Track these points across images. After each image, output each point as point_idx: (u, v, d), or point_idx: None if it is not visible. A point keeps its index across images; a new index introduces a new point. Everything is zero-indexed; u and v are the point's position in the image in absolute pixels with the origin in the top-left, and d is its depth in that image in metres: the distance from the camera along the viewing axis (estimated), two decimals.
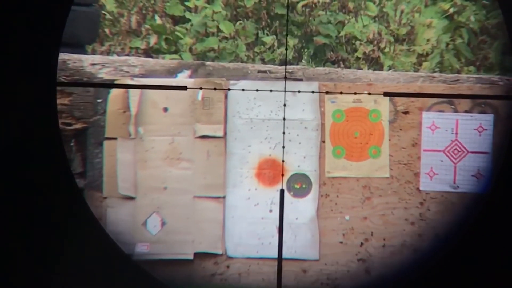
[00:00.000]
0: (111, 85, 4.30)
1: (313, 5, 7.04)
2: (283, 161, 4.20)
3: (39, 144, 3.75)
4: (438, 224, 4.23)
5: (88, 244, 3.85)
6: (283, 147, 4.20)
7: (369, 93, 4.22)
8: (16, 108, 3.68)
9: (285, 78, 4.29)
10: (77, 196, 3.98)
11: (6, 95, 3.64)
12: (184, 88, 4.23)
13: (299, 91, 4.25)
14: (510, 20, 3.98)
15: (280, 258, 4.17)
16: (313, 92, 4.25)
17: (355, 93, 4.24)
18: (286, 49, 6.75)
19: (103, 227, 4.10)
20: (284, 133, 4.21)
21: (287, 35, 6.93)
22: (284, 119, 4.22)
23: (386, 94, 4.23)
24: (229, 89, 4.27)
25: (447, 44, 7.13)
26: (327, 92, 4.26)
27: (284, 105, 4.23)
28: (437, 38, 7.15)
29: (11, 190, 3.69)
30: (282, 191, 4.19)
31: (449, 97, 4.21)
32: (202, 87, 4.24)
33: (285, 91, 4.23)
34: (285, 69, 4.33)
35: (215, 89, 4.25)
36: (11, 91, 3.65)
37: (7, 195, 3.68)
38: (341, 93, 4.24)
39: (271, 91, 4.24)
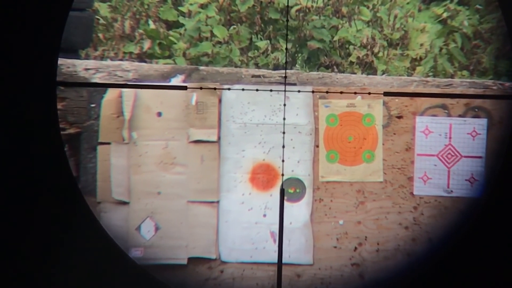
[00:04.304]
0: (113, 85, 4.29)
1: (307, 10, 7.05)
2: (283, 160, 4.21)
3: (39, 144, 3.76)
4: (431, 229, 4.23)
5: (88, 244, 3.86)
6: (283, 146, 4.21)
7: (369, 93, 4.23)
8: (17, 108, 3.69)
9: (285, 79, 4.29)
10: (77, 197, 3.98)
11: (6, 95, 3.65)
12: (184, 88, 4.24)
13: (299, 91, 4.25)
14: (510, 20, 3.99)
15: (280, 262, 4.18)
16: (313, 91, 4.25)
17: (355, 93, 4.24)
18: (286, 48, 6.76)
19: (105, 228, 4.09)
20: (284, 132, 4.22)
21: (287, 35, 6.94)
22: (284, 119, 4.22)
23: (386, 94, 4.24)
24: (229, 89, 4.26)
25: (441, 49, 7.16)
26: (327, 92, 4.26)
27: (284, 104, 4.24)
28: (431, 42, 7.17)
29: (11, 191, 3.70)
30: (282, 191, 4.20)
31: (448, 97, 4.21)
32: (196, 89, 4.25)
33: (285, 91, 4.24)
34: (285, 72, 4.33)
35: (215, 88, 4.25)
36: (11, 92, 3.66)
37: (7, 195, 3.69)
38: (341, 92, 4.24)
39: (271, 90, 4.24)
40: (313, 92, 4.26)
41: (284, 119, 4.23)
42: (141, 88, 4.26)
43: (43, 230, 3.76)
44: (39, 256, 3.77)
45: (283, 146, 4.21)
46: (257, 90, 4.24)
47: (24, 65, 3.67)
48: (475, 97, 4.22)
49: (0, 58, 3.62)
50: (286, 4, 6.96)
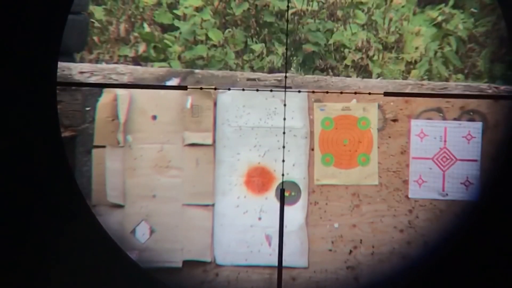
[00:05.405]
0: (113, 85, 4.29)
1: (302, 13, 7.05)
2: (283, 161, 4.21)
3: (39, 145, 3.76)
4: (427, 232, 4.23)
5: (88, 245, 3.85)
6: (284, 147, 4.21)
7: (369, 93, 4.23)
8: (17, 110, 3.69)
9: (285, 82, 4.30)
10: (76, 197, 3.98)
11: (6, 96, 3.65)
12: (184, 88, 4.24)
13: (299, 91, 4.25)
14: (510, 19, 4.00)
15: (280, 262, 4.18)
16: (312, 91, 4.25)
17: (355, 93, 4.24)
18: (286, 49, 6.75)
19: (105, 229, 4.08)
20: (283, 134, 4.22)
21: (287, 35, 6.93)
22: (284, 119, 4.22)
23: (386, 94, 4.24)
24: (229, 89, 4.26)
25: (436, 52, 7.16)
26: (327, 92, 4.26)
27: (285, 104, 4.23)
28: (426, 46, 7.17)
29: (11, 191, 3.70)
30: (282, 191, 4.20)
31: (444, 97, 4.22)
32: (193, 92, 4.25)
33: (285, 90, 4.24)
34: (285, 76, 4.33)
35: (215, 88, 4.25)
36: (11, 93, 3.66)
37: (7, 196, 3.69)
38: (341, 92, 4.24)
39: (271, 90, 4.24)
40: (309, 94, 4.26)
41: (284, 119, 4.22)
42: (143, 89, 4.25)
43: (42, 230, 3.76)
44: (39, 256, 3.77)
45: (283, 147, 4.21)
46: (256, 91, 4.24)
47: (24, 66, 3.67)
48: (471, 98, 4.22)
49: (1, 59, 3.63)
50: (286, 6, 6.95)
